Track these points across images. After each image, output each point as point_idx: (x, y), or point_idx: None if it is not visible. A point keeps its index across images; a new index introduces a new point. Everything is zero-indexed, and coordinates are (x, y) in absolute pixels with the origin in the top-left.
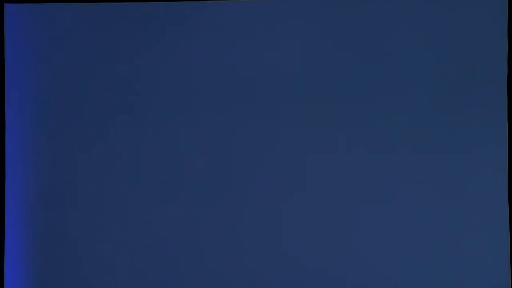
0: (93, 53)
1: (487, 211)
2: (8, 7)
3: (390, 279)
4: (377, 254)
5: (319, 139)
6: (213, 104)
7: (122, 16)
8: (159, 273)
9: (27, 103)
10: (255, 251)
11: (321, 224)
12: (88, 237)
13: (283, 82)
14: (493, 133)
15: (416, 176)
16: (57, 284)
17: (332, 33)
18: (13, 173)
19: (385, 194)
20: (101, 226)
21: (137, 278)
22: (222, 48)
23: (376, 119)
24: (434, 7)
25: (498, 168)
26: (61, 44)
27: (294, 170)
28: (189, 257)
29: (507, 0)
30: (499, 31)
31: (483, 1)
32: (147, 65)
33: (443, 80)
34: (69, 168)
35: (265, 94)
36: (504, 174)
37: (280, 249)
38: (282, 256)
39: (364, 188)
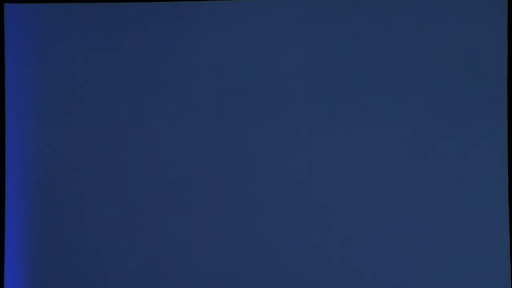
0: (93, 53)
1: (487, 211)
2: (8, 7)
3: (390, 279)
4: (377, 254)
5: (319, 139)
6: (214, 103)
7: (122, 16)
8: (160, 272)
9: (27, 103)
10: (258, 250)
11: (322, 223)
12: (89, 237)
13: (283, 82)
14: (493, 133)
15: (416, 176)
16: (57, 284)
17: (332, 34)
18: (13, 173)
19: (384, 194)
20: (102, 226)
21: (138, 278)
22: (221, 48)
23: (375, 120)
24: (434, 7)
25: (498, 168)
26: (61, 44)
27: (293, 169)
28: (191, 257)
29: (507, 0)
30: (499, 31)
31: (483, 1)
32: (147, 64)
33: (443, 80)
34: (69, 168)
35: (265, 94)
36: (504, 174)
37: (283, 248)
38: (286, 254)
39: (364, 187)
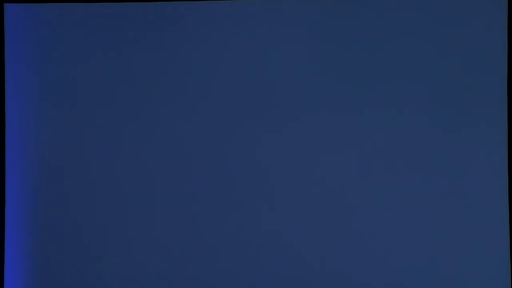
0: (93, 53)
1: (487, 211)
2: (8, 7)
3: (390, 279)
4: (377, 254)
5: (319, 137)
6: (213, 103)
7: (122, 16)
8: (160, 272)
9: (27, 103)
10: (257, 249)
11: (322, 222)
12: (89, 237)
13: (283, 82)
14: (493, 133)
15: (415, 176)
16: (57, 284)
17: (332, 34)
18: (13, 173)
19: (384, 193)
20: (102, 226)
21: (138, 278)
22: (221, 48)
23: (375, 120)
24: (434, 7)
25: (498, 168)
26: (61, 44)
27: (294, 168)
28: (191, 256)
29: (507, 0)
30: (499, 31)
31: (483, 1)
32: (147, 64)
33: (443, 80)
34: (69, 168)
35: (265, 94)
36: (504, 174)
37: (283, 247)
38: (285, 254)
39: (364, 187)
